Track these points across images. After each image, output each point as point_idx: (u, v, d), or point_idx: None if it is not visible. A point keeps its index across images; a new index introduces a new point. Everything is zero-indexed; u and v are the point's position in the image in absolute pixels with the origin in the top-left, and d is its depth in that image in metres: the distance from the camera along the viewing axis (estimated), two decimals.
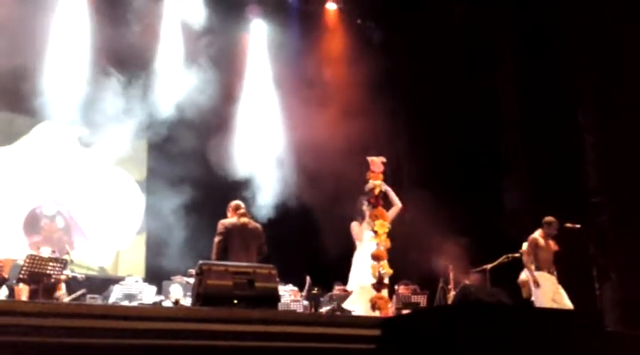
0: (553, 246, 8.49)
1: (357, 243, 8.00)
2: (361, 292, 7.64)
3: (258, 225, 7.43)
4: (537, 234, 8.50)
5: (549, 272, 8.37)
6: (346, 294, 8.85)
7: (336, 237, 9.20)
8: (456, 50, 11.55)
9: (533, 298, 8.70)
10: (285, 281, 9.49)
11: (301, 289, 9.80)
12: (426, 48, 11.48)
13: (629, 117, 9.60)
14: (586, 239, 8.57)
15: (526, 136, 11.43)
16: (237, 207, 7.41)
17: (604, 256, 9.31)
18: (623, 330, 8.05)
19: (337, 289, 9.86)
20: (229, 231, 7.14)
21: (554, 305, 7.99)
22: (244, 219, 7.30)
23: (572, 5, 10.63)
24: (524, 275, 9.14)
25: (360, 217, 7.92)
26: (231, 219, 7.31)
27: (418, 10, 11.94)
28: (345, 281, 8.83)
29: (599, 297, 8.58)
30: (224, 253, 7.06)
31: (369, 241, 7.48)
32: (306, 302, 9.29)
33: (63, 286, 8.63)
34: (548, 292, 8.23)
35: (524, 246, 9.12)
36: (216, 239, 7.15)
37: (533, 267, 8.40)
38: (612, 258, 9.62)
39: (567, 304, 8.12)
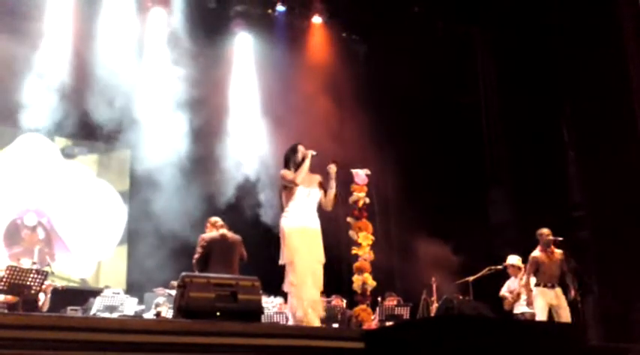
0: (557, 255, 8.22)
1: (285, 200, 6.35)
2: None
3: (238, 236, 7.51)
4: (536, 251, 8.23)
5: (548, 286, 8.10)
6: (328, 306, 8.77)
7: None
8: (439, 65, 11.61)
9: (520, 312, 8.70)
10: (268, 294, 9.43)
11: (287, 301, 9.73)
12: (409, 62, 11.54)
13: (611, 133, 9.69)
14: (569, 252, 8.55)
15: (510, 151, 11.52)
16: (215, 222, 7.58)
17: (586, 270, 9.35)
18: (605, 344, 8.09)
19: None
20: (210, 244, 7.25)
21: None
22: (223, 231, 7.43)
23: (553, 22, 10.75)
24: (506, 288, 9.15)
25: (293, 165, 6.41)
26: (211, 233, 7.43)
27: (402, 24, 12.02)
28: (328, 293, 8.77)
29: (582, 311, 8.59)
30: (205, 266, 7.11)
31: (305, 198, 6.33)
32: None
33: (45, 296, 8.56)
34: (542, 308, 8.06)
35: (509, 259, 9.12)
36: (197, 252, 7.23)
37: (530, 287, 8.16)
38: (594, 271, 9.68)
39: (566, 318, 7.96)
